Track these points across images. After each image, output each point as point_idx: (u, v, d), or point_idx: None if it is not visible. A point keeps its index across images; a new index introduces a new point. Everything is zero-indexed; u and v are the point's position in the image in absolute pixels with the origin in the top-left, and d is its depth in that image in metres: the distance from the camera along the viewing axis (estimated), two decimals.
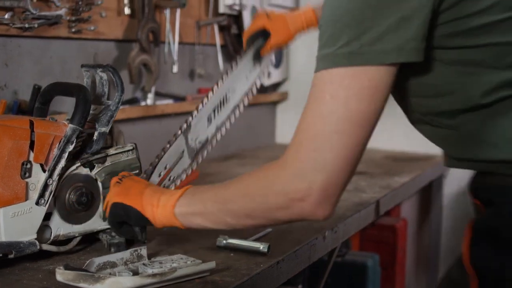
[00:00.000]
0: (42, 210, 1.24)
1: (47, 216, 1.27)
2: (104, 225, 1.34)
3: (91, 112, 1.31)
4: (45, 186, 1.24)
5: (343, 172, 0.95)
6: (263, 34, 1.61)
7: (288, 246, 1.37)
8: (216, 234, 1.33)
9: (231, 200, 1.07)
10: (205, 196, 1.12)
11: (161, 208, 1.16)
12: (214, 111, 1.50)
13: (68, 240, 1.31)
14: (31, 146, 1.23)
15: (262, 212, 1.03)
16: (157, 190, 1.21)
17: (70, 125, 1.26)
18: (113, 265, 1.19)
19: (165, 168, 1.40)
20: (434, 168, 2.64)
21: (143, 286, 1.10)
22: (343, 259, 2.25)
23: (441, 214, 3.10)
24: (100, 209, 1.34)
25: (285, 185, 0.97)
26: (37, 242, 1.23)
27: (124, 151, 1.39)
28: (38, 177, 1.24)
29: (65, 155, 1.26)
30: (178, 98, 2.42)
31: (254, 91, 1.58)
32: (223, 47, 2.66)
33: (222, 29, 2.65)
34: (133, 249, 1.22)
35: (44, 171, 1.24)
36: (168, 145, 1.42)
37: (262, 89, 3.00)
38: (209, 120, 1.50)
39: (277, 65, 3.01)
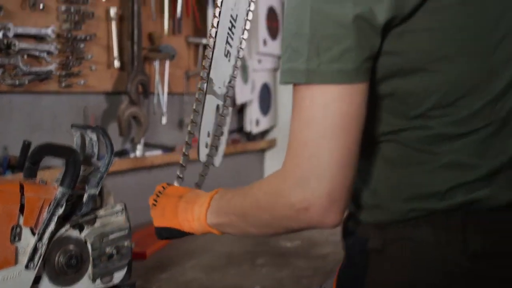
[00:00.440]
0: (31, 274, 1.24)
1: (36, 280, 1.27)
2: (93, 287, 1.34)
3: (80, 173, 1.33)
4: (35, 249, 1.24)
5: (341, 176, 0.95)
6: None
7: None
8: None
9: (249, 214, 1.08)
10: (228, 209, 1.13)
11: (196, 222, 1.19)
12: (227, 42, 1.39)
13: None
14: (21, 210, 1.24)
15: (277, 223, 1.03)
16: (189, 201, 1.22)
17: (60, 188, 1.27)
18: None
19: (208, 135, 1.38)
20: None
21: None
22: None
23: None
24: (90, 270, 1.34)
25: (289, 198, 0.97)
26: None
27: (114, 212, 1.40)
28: (27, 240, 1.24)
29: (55, 218, 1.26)
30: (167, 149, 2.44)
31: None
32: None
33: None
34: None
35: (33, 234, 1.25)
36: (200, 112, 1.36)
37: (250, 137, 3.03)
38: (227, 55, 1.40)
39: (265, 112, 3.05)
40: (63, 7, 1.95)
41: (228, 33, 1.42)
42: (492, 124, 1.02)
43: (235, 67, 1.42)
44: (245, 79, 2.84)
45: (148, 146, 2.37)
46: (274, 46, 3.02)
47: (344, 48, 0.94)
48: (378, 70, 0.98)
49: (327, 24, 0.94)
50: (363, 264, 1.07)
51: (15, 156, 1.81)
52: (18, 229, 1.23)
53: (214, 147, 1.42)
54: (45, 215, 1.26)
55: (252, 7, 1.45)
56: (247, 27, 1.44)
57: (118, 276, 1.39)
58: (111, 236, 1.38)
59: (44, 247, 1.25)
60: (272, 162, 3.18)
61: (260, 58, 2.94)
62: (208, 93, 1.37)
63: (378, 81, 0.99)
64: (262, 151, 3.20)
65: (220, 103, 1.40)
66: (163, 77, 2.39)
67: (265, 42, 2.93)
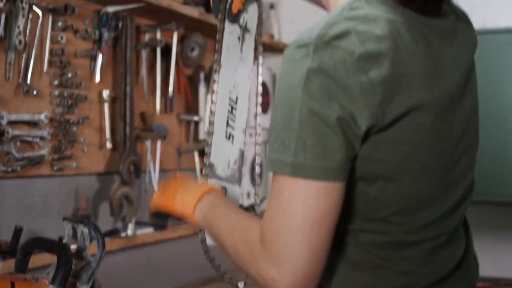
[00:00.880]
0: None
1: None
2: None
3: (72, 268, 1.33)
4: None
5: (310, 267, 1.01)
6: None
7: None
8: None
9: (227, 248, 1.13)
10: (211, 226, 1.20)
11: (185, 209, 1.28)
12: (228, 125, 1.43)
13: None
14: None
15: (246, 272, 1.09)
16: (187, 188, 1.30)
17: (51, 287, 1.28)
18: None
19: None
20: None
21: None
22: None
23: None
24: None
25: (263, 270, 1.03)
26: None
27: None
28: None
29: None
30: (159, 226, 2.44)
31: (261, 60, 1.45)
32: (202, 170, 2.70)
33: (202, 153, 2.71)
34: None
35: None
36: None
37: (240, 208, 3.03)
38: (229, 137, 1.43)
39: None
40: (56, 92, 1.98)
41: (228, 116, 1.45)
42: (442, 235, 1.12)
43: (257, 144, 1.45)
44: None
45: (139, 224, 2.37)
46: (265, 120, 3.05)
47: (329, 148, 1.00)
48: (350, 171, 1.04)
49: (315, 123, 1.00)
50: None
51: (7, 241, 1.81)
52: None
53: None
54: None
55: (260, 89, 1.49)
56: (259, 101, 1.48)
57: None
58: None
59: None
60: None
61: (251, 132, 2.97)
62: (210, 178, 1.40)
63: (348, 180, 1.04)
64: None
65: (226, 185, 1.42)
66: (154, 155, 2.41)
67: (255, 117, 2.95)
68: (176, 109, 2.55)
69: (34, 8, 1.87)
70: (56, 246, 1.34)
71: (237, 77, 1.46)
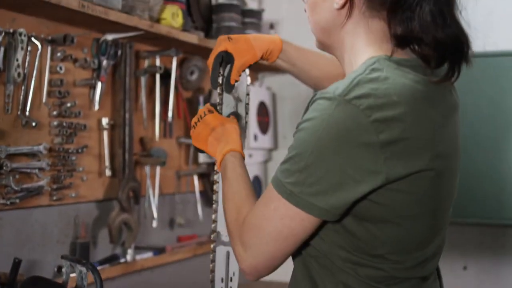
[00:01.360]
0: None
1: None
2: None
3: None
4: None
5: (268, 260, 1.21)
6: (227, 58, 1.53)
7: None
8: None
9: (224, 207, 1.33)
10: (223, 181, 1.37)
11: (215, 157, 1.45)
12: None
13: None
14: None
15: (230, 236, 1.30)
16: (216, 138, 1.45)
17: None
18: None
19: (222, 281, 1.51)
20: None
21: None
22: None
23: None
24: None
25: (236, 245, 1.25)
26: None
27: None
28: None
29: None
30: (158, 250, 2.44)
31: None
32: (202, 192, 2.71)
33: (201, 176, 2.71)
34: None
35: None
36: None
37: None
38: None
39: None
40: (55, 122, 1.99)
41: None
42: (427, 274, 1.28)
43: None
44: None
45: (138, 248, 2.37)
46: (265, 140, 3.06)
47: (322, 190, 1.14)
48: (357, 210, 1.18)
49: (318, 167, 1.14)
50: None
51: (6, 273, 1.81)
52: None
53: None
54: None
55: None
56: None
57: None
58: None
59: None
60: None
61: (251, 152, 2.98)
62: (217, 245, 1.51)
63: (353, 217, 1.19)
64: None
65: (229, 248, 1.51)
66: (154, 180, 2.41)
67: (255, 137, 2.97)
68: (175, 132, 2.56)
69: (33, 39, 1.87)
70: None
71: None
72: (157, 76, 2.39)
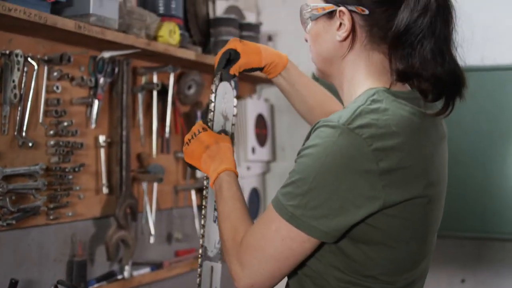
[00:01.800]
0: None
1: None
2: None
3: None
4: None
5: (266, 280, 1.24)
6: (235, 55, 1.58)
7: None
8: None
9: (220, 227, 1.36)
10: (218, 202, 1.39)
11: (209, 175, 1.48)
12: (215, 209, 1.54)
13: None
14: None
15: (226, 255, 1.32)
16: (210, 156, 1.47)
17: None
18: None
19: None
20: None
21: None
22: None
23: None
24: None
25: (233, 264, 1.27)
26: None
27: None
28: None
29: None
30: (155, 266, 2.43)
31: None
32: (199, 207, 2.70)
33: (199, 190, 2.70)
34: None
35: None
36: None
37: None
38: (215, 221, 1.54)
39: (255, 217, 3.05)
40: (52, 142, 1.99)
41: (215, 205, 1.51)
42: None
43: None
44: None
45: (136, 264, 2.37)
46: (263, 152, 3.06)
47: (322, 215, 1.18)
48: (354, 233, 1.21)
49: (320, 192, 1.18)
50: None
51: None
52: None
53: None
54: None
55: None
56: None
57: None
58: None
59: None
60: None
61: (249, 165, 2.97)
62: (204, 260, 1.54)
63: (350, 240, 1.22)
64: None
65: (214, 264, 1.55)
66: (151, 195, 2.41)
67: (253, 150, 2.96)
68: (173, 147, 2.55)
69: (30, 60, 1.87)
70: None
71: None
72: (154, 93, 2.38)
